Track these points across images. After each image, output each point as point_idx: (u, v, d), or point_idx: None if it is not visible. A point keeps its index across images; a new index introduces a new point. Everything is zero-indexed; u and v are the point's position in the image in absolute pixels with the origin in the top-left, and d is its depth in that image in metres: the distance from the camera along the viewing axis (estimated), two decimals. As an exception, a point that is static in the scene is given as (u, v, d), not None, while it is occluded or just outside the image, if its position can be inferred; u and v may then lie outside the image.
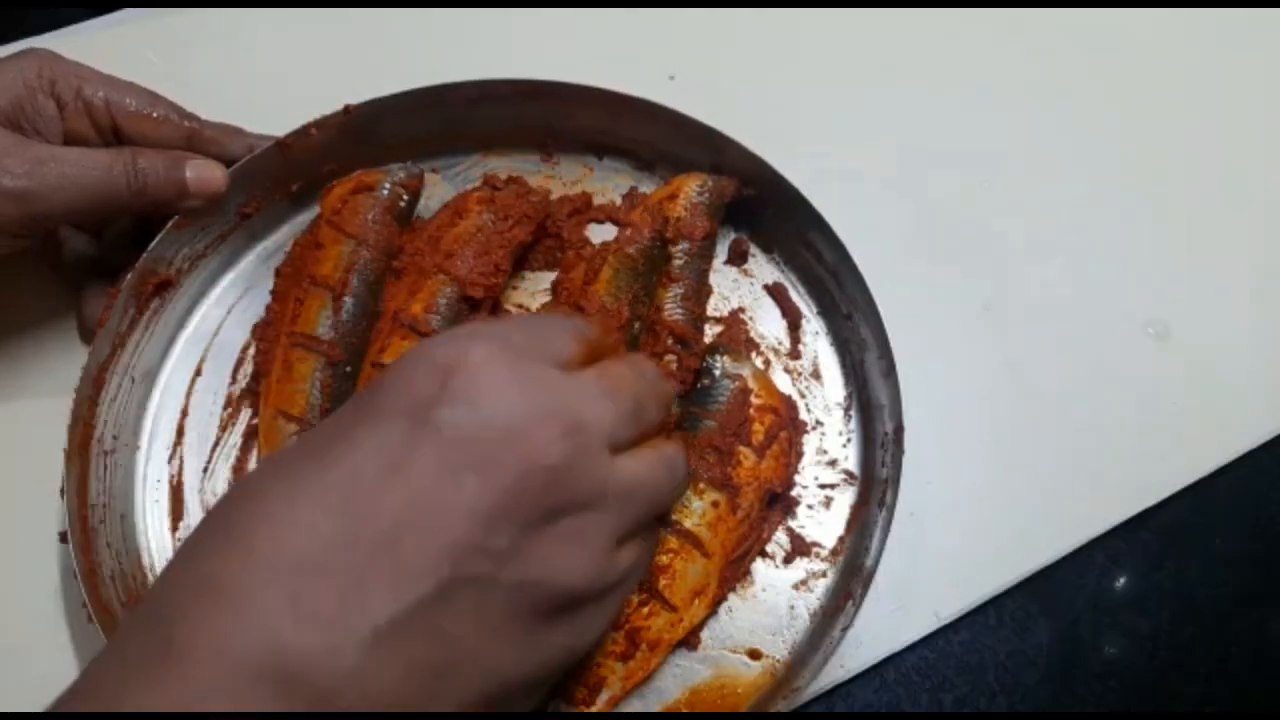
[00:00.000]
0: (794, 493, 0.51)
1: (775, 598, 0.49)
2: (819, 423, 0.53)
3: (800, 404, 0.53)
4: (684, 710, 0.47)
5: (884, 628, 0.49)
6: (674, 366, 0.51)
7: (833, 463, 0.52)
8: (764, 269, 0.57)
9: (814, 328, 0.56)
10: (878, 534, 0.47)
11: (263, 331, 0.53)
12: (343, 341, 0.51)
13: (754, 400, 0.50)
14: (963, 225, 0.62)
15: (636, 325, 0.51)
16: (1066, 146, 0.66)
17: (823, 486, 0.51)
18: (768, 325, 0.56)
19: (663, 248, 0.53)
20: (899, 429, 0.48)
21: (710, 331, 0.55)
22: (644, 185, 0.59)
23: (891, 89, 0.67)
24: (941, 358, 0.57)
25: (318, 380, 0.50)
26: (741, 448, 0.49)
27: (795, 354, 0.55)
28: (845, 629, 0.44)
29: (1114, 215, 0.63)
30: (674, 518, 0.47)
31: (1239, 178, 0.66)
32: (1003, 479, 0.54)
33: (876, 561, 0.45)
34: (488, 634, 0.30)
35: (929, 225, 0.62)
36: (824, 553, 0.50)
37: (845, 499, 0.51)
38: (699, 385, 0.51)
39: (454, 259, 0.52)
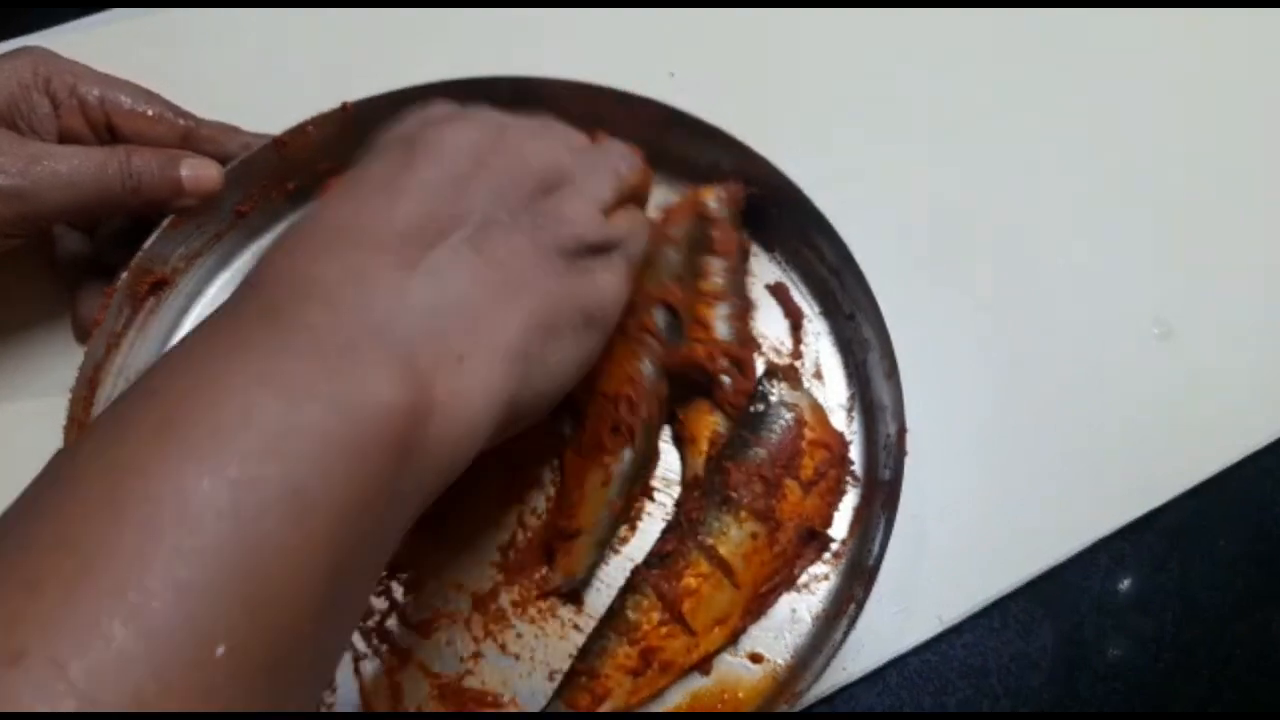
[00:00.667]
0: (831, 532, 0.49)
1: (776, 601, 0.49)
2: None
3: None
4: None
5: (887, 630, 0.49)
6: (729, 389, 0.50)
7: None
8: (765, 268, 0.57)
9: (816, 328, 0.55)
10: (879, 536, 0.46)
11: None
12: None
13: (807, 433, 0.49)
14: (964, 224, 0.62)
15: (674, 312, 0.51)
16: (1068, 145, 0.66)
17: None
18: (769, 325, 0.55)
19: (703, 227, 0.53)
20: (901, 430, 0.48)
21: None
22: None
23: (892, 88, 0.67)
24: (943, 357, 0.57)
25: None
26: (788, 481, 0.48)
27: (797, 354, 0.55)
28: (847, 632, 0.44)
29: (1117, 214, 0.63)
30: (710, 543, 0.46)
31: (1243, 177, 0.66)
32: (1005, 480, 0.54)
33: (879, 563, 0.45)
34: (523, 259, 0.36)
35: (930, 224, 0.61)
36: (826, 555, 0.49)
37: (848, 501, 0.50)
38: (751, 409, 0.49)
39: None
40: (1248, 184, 0.65)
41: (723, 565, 0.46)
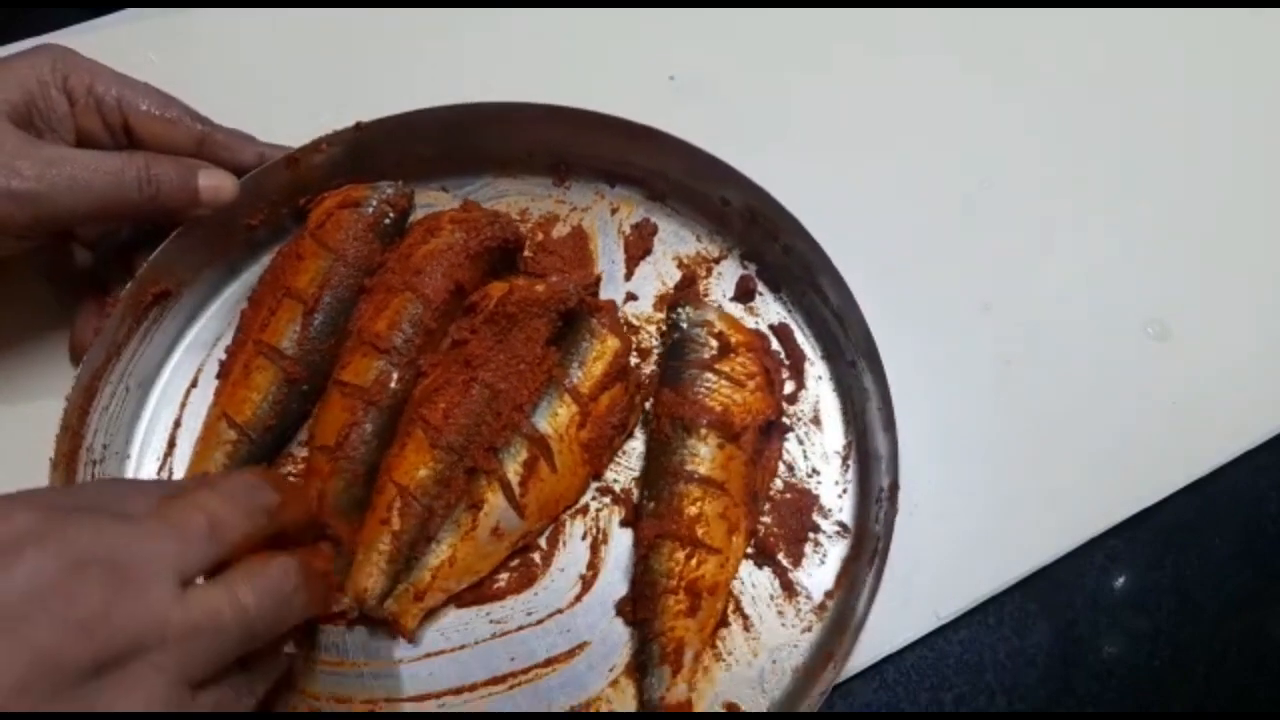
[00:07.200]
0: (785, 419, 0.53)
1: (759, 650, 0.48)
2: (815, 470, 0.52)
3: (798, 451, 0.52)
4: None
5: (884, 626, 0.49)
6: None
7: (827, 513, 0.51)
8: (770, 308, 0.56)
9: (818, 371, 0.55)
10: (865, 594, 0.45)
11: (237, 335, 0.53)
12: (305, 359, 0.50)
13: (730, 339, 0.51)
14: (963, 225, 0.62)
15: None
16: (1067, 147, 0.66)
17: (815, 536, 0.50)
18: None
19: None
20: (894, 486, 0.47)
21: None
22: (654, 215, 0.58)
23: (891, 88, 0.67)
24: (942, 357, 0.57)
25: (272, 394, 0.50)
26: (726, 386, 0.50)
27: (793, 399, 0.54)
28: (825, 693, 0.44)
29: (1114, 216, 0.64)
30: (689, 468, 0.48)
31: (1238, 179, 0.66)
32: (1002, 478, 0.54)
33: (863, 621, 0.45)
34: None
35: (929, 224, 0.62)
36: (812, 605, 0.49)
37: (838, 551, 0.50)
38: (671, 340, 0.52)
39: (422, 276, 0.51)
40: (1243, 188, 0.66)
41: (708, 482, 0.48)
